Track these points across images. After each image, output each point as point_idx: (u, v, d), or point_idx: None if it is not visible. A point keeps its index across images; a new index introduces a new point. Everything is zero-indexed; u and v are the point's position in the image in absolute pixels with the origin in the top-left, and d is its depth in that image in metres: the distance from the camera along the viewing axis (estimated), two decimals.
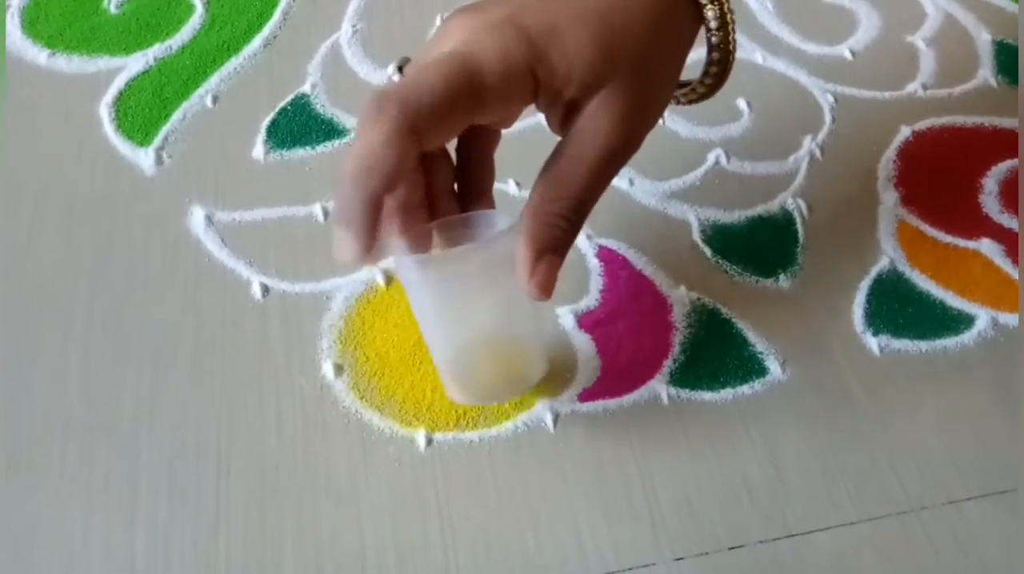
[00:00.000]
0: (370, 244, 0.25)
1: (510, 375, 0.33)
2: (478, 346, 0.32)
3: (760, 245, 0.40)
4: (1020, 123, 0.43)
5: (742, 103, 0.45)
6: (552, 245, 0.27)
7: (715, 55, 0.29)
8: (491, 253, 0.28)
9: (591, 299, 0.38)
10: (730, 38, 0.29)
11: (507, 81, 0.25)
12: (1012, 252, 0.39)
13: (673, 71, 0.29)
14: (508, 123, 0.29)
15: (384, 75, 0.46)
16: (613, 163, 0.27)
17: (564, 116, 0.27)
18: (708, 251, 0.40)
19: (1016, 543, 0.32)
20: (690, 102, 0.32)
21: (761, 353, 0.37)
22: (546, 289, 0.27)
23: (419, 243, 0.29)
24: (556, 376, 0.36)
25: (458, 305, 0.30)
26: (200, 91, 0.45)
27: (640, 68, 0.27)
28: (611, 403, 0.35)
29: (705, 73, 0.30)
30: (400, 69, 0.27)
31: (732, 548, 0.32)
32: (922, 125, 0.44)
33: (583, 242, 0.39)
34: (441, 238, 0.29)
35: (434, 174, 0.29)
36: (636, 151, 0.28)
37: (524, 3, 0.26)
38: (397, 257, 0.29)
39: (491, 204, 0.30)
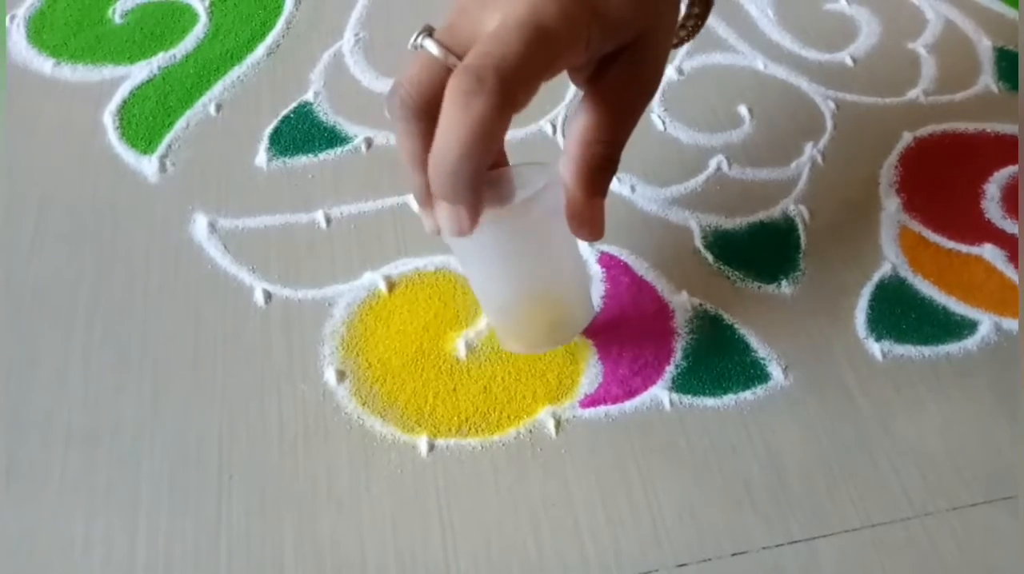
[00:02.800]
0: (479, 214, 0.27)
1: (564, 321, 0.34)
2: (536, 295, 0.33)
3: (762, 251, 0.40)
4: (1020, 130, 0.43)
5: (743, 110, 0.45)
6: (599, 187, 0.29)
7: None
8: (543, 204, 0.29)
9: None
10: None
11: (572, 42, 0.26)
12: (1015, 258, 0.39)
13: (675, 16, 0.31)
14: None
15: (385, 85, 0.46)
16: (645, 105, 0.29)
17: (596, 68, 0.29)
18: (710, 257, 0.40)
19: (1019, 549, 0.32)
20: (676, 45, 0.34)
21: (763, 359, 0.36)
22: (600, 230, 0.29)
23: None
24: (558, 382, 0.36)
25: (518, 258, 0.31)
26: (204, 99, 0.45)
27: (660, 16, 0.29)
28: (613, 409, 0.35)
29: (687, 15, 0.33)
30: (430, 35, 0.27)
31: (735, 554, 0.32)
32: (924, 131, 0.44)
33: (585, 248, 0.39)
34: None
35: None
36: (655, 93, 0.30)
37: None
38: None
39: (506, 160, 0.32)
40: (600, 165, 0.28)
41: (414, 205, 0.41)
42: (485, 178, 0.29)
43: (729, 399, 0.35)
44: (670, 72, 0.47)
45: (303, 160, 0.43)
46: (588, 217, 0.29)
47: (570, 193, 0.29)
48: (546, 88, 0.31)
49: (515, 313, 0.33)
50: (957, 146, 0.44)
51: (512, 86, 0.24)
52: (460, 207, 0.26)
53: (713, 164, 0.43)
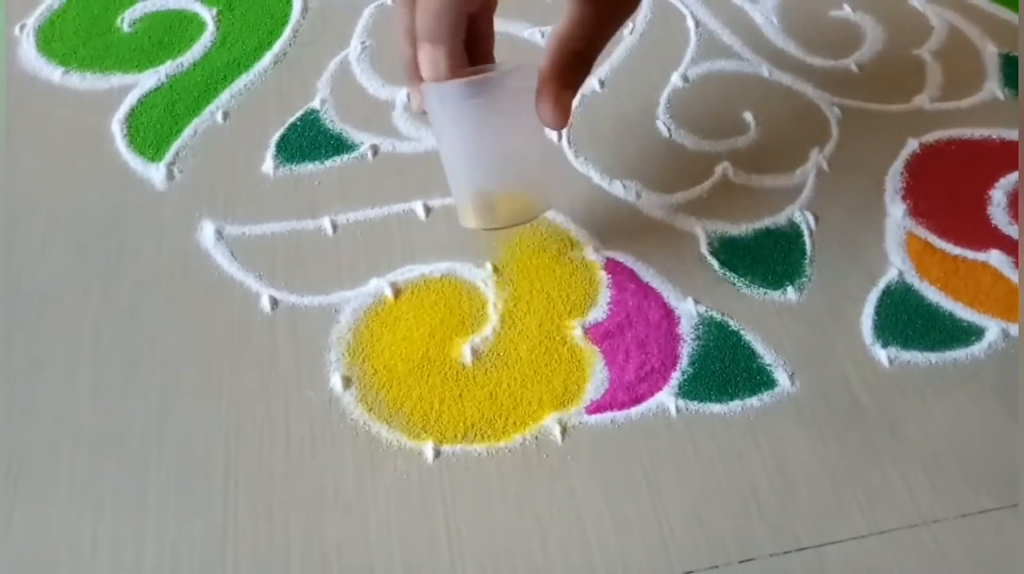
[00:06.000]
0: (458, 61, 0.30)
1: (523, 203, 0.36)
2: (501, 172, 0.35)
3: (768, 257, 0.40)
4: (1020, 136, 0.43)
5: (748, 116, 0.45)
6: (570, 80, 0.31)
7: None
8: (517, 80, 0.32)
9: (599, 311, 0.38)
10: None
11: None
12: None
13: None
14: None
15: (391, 92, 0.46)
16: (623, 16, 0.32)
17: None
18: (715, 263, 0.40)
19: (1018, 553, 0.31)
20: None
21: (769, 365, 0.36)
22: (565, 117, 0.31)
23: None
24: (564, 388, 0.36)
25: (489, 129, 0.33)
26: (211, 107, 0.45)
27: None
28: (619, 415, 0.35)
29: None
30: None
31: (742, 561, 0.32)
32: (929, 138, 0.44)
33: (591, 254, 0.40)
34: None
35: None
36: (634, 10, 0.32)
37: None
38: (439, 88, 0.31)
39: (493, 62, 0.35)
40: (572, 61, 0.31)
41: (420, 211, 0.41)
42: (463, 34, 0.31)
43: (735, 405, 0.35)
44: (675, 79, 0.47)
45: (310, 167, 0.43)
46: (554, 104, 0.31)
47: (541, 77, 0.31)
48: None
49: (479, 188, 0.35)
50: (963, 152, 0.44)
51: None
52: (440, 49, 0.29)
53: (719, 171, 0.43)
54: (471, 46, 0.33)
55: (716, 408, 0.35)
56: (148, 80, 0.47)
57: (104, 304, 0.38)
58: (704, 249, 0.40)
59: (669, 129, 0.45)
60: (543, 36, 0.48)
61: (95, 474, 0.34)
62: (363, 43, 0.49)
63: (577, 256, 0.40)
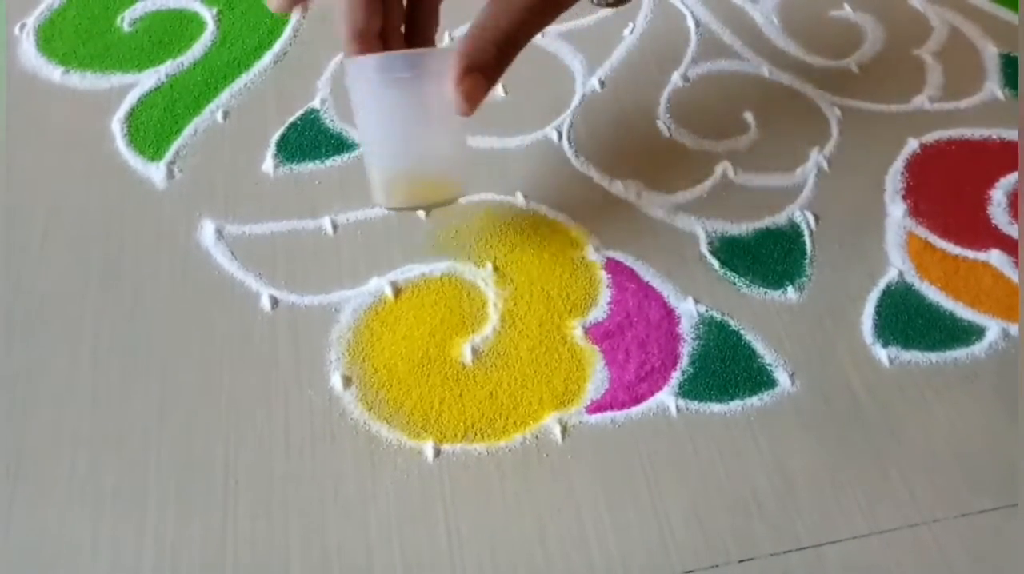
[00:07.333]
0: (368, 43, 0.31)
1: (434, 184, 0.36)
2: (411, 150, 0.35)
3: (768, 257, 0.40)
4: (1020, 136, 0.43)
5: (749, 116, 0.45)
6: (480, 65, 0.31)
7: None
8: (435, 62, 0.32)
9: (599, 311, 0.38)
10: None
11: None
12: None
13: None
14: None
15: None
16: (546, 13, 0.31)
17: None
18: (716, 263, 0.40)
19: (1018, 553, 0.31)
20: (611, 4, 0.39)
21: (770, 365, 0.36)
22: (471, 101, 0.31)
23: None
24: (564, 388, 0.36)
25: (401, 107, 0.33)
26: (211, 106, 0.45)
27: None
28: (619, 415, 0.35)
29: None
30: None
31: (742, 561, 0.32)
32: (929, 138, 0.44)
33: (592, 253, 0.40)
34: None
35: (388, 12, 0.33)
36: (565, 9, 0.32)
37: None
38: (354, 64, 0.32)
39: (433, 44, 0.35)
40: (488, 48, 0.31)
41: (420, 211, 0.41)
42: (369, 13, 0.31)
43: (736, 405, 0.35)
44: (676, 79, 0.47)
45: (310, 167, 0.43)
46: (457, 86, 0.31)
47: (453, 60, 0.31)
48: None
49: (387, 165, 0.35)
50: (963, 152, 0.44)
51: None
52: (346, 27, 0.31)
53: (719, 170, 0.43)
54: (411, 32, 0.34)
55: (716, 408, 0.35)
56: (148, 79, 0.47)
57: (103, 303, 0.38)
58: (704, 249, 0.40)
59: (669, 129, 0.45)
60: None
61: (95, 473, 0.34)
62: None
63: (577, 255, 0.40)
